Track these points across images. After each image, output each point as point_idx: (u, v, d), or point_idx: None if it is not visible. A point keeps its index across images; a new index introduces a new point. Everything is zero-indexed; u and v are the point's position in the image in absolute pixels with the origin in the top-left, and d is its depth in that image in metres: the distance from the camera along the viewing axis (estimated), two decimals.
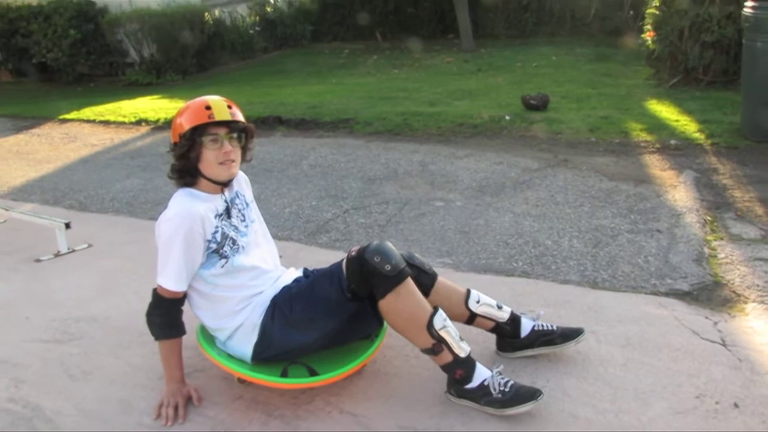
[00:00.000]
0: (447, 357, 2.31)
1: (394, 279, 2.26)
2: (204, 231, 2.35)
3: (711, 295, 3.06)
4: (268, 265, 2.55)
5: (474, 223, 4.04)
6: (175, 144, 2.39)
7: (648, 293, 3.11)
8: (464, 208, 4.30)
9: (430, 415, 2.32)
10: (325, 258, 3.54)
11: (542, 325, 2.61)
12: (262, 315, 2.42)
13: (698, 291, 3.10)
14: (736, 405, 2.29)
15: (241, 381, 2.52)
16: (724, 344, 2.65)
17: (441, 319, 2.30)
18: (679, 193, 4.32)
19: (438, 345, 2.30)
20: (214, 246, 2.38)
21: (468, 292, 2.58)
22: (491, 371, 2.33)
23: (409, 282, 2.30)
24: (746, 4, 5.20)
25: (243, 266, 2.44)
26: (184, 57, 10.99)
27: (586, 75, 8.43)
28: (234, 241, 2.43)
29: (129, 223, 4.52)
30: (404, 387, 2.49)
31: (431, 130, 6.24)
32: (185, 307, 2.48)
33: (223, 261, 2.40)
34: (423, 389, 2.47)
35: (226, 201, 2.48)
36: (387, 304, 2.28)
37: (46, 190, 5.40)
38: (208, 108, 2.33)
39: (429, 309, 2.31)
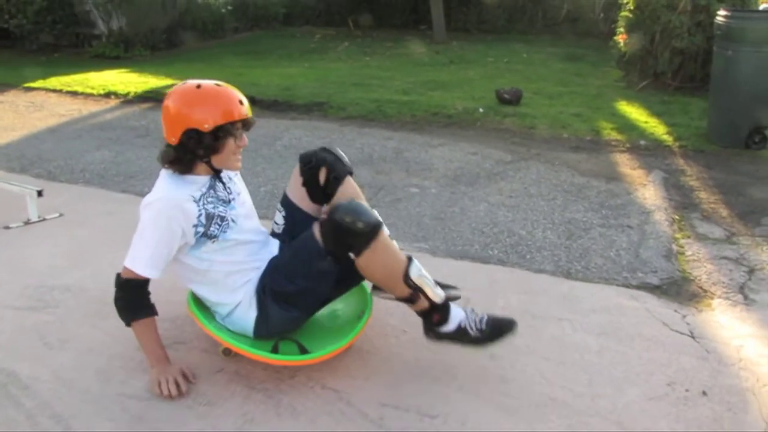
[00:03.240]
0: (423, 304, 2.41)
1: (369, 235, 2.28)
2: (186, 219, 2.29)
3: (679, 289, 3.16)
4: (262, 237, 2.55)
5: (449, 211, 4.09)
6: (197, 133, 2.26)
7: (620, 285, 3.19)
8: (439, 196, 4.35)
9: (412, 393, 2.36)
10: None
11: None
12: (257, 289, 2.43)
13: (667, 285, 3.20)
14: (704, 393, 2.38)
15: (226, 353, 2.52)
16: (692, 336, 2.74)
17: (417, 269, 2.36)
18: (648, 191, 4.43)
19: (415, 294, 2.37)
20: (201, 230, 2.33)
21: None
22: (464, 311, 2.43)
23: (383, 234, 2.32)
24: (719, 13, 5.33)
25: (237, 240, 2.42)
26: (153, 32, 10.83)
27: (557, 74, 8.54)
28: (222, 218, 2.38)
29: (101, 194, 4.45)
30: (385, 365, 2.52)
31: (405, 117, 6.28)
32: (170, 283, 2.47)
33: (213, 240, 2.37)
34: (404, 368, 2.51)
35: (210, 179, 2.42)
36: (364, 260, 2.31)
37: (12, 158, 5.28)
38: (242, 103, 2.31)
39: (404, 259, 2.36)
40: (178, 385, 2.36)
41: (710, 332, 2.79)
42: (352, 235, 2.28)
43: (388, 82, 7.97)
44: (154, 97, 7.33)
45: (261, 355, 2.36)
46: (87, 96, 7.56)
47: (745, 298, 3.07)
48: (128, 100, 7.37)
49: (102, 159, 5.21)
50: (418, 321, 2.48)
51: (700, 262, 3.44)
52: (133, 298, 2.37)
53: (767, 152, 5.20)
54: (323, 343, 2.43)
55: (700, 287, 3.18)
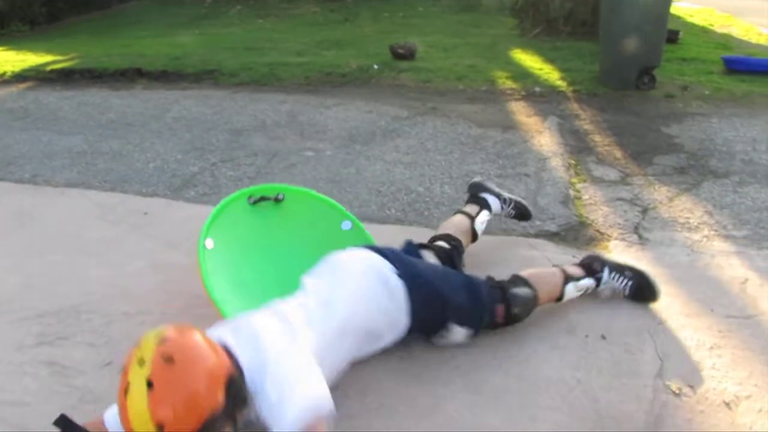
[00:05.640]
0: None
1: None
2: None
3: (577, 234, 3.17)
4: None
5: (345, 172, 3.99)
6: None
7: (519, 235, 3.18)
8: (335, 158, 4.23)
9: None
10: (192, 213, 3.40)
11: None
12: None
13: (565, 231, 3.20)
14: (603, 337, 2.39)
15: None
16: None
17: (571, 288, 2.54)
18: (545, 138, 4.44)
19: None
20: None
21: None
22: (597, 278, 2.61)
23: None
24: None
25: None
26: (31, 5, 10.16)
27: (453, 25, 8.50)
28: None
29: None
30: None
31: (299, 80, 6.11)
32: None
33: None
34: None
35: None
36: None
37: None
38: None
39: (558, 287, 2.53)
40: None
41: None
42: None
43: (282, 45, 7.76)
44: (34, 76, 6.90)
45: None
46: None
47: (640, 237, 3.11)
48: (5, 80, 6.89)
49: None
50: None
51: (596, 206, 3.46)
52: None
53: (656, 92, 5.30)
54: None
55: (597, 230, 3.20)
